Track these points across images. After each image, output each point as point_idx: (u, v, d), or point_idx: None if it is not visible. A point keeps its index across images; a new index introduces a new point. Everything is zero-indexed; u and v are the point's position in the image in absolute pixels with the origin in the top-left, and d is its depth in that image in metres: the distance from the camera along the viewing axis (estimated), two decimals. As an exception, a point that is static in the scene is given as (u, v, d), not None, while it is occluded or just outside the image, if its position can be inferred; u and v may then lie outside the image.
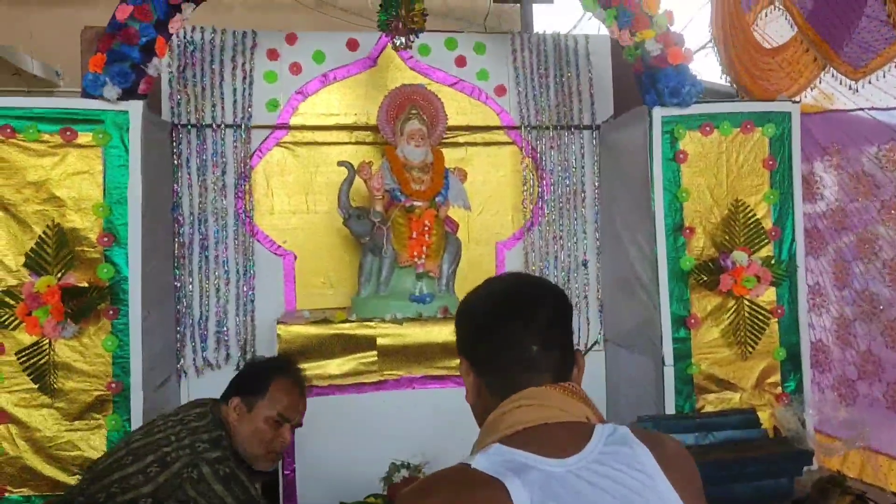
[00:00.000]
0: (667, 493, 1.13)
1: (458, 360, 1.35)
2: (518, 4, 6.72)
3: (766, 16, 4.00)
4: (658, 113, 3.33)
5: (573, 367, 1.30)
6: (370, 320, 3.40)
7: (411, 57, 3.96)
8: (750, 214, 3.41)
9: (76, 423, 2.96)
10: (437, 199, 3.61)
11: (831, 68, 3.74)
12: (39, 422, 2.94)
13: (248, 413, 2.28)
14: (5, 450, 2.91)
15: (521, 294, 1.32)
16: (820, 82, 3.82)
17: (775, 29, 3.99)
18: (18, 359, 2.92)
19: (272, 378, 2.34)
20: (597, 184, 4.04)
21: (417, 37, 3.39)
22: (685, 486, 1.15)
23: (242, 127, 3.76)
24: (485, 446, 1.16)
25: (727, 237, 3.38)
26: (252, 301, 3.75)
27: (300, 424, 2.40)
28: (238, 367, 3.59)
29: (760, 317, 3.40)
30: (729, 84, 4.12)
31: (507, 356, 1.25)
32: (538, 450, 1.13)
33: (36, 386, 2.93)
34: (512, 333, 1.26)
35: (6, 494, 2.90)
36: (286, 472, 3.19)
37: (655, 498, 1.12)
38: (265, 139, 3.85)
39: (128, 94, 2.99)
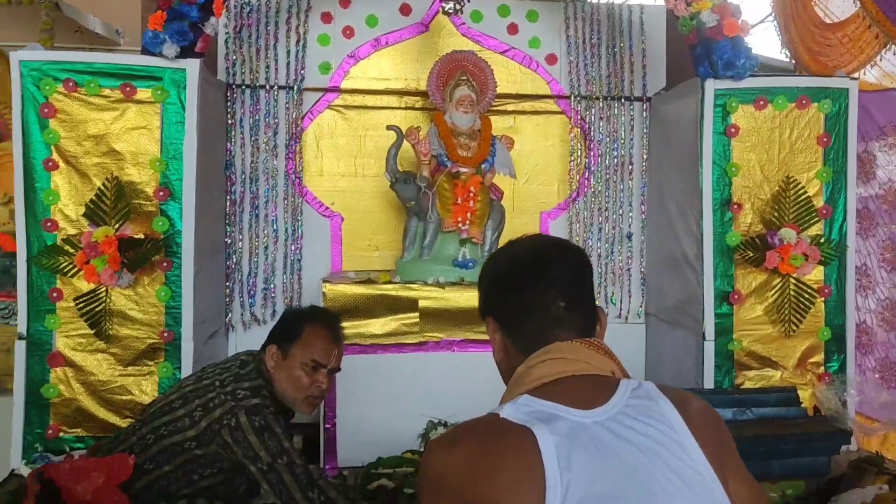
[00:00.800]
0: (690, 446, 1.14)
1: None
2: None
3: (828, -10, 3.92)
4: (711, 85, 3.28)
5: (596, 323, 1.33)
6: (413, 283, 3.45)
7: (463, 23, 3.95)
8: (801, 192, 3.35)
9: (129, 368, 3.07)
10: (483, 166, 3.61)
11: (893, 46, 3.65)
12: (94, 366, 3.05)
13: (284, 360, 2.35)
14: (61, 391, 3.03)
15: (545, 254, 1.35)
16: (881, 60, 3.73)
17: (837, 4, 3.90)
18: (76, 305, 3.03)
19: (304, 325, 2.40)
20: (645, 156, 4.00)
21: (469, 1, 3.40)
22: (709, 441, 1.17)
23: (295, 89, 3.81)
24: (513, 397, 1.20)
25: (776, 214, 3.33)
26: (299, 260, 3.83)
27: (338, 369, 2.46)
28: (284, 324, 3.68)
29: (806, 296, 3.36)
30: (788, 59, 4.05)
31: (534, 314, 1.29)
32: (565, 401, 1.16)
33: (92, 332, 3.04)
34: (539, 292, 1.29)
35: (61, 434, 3.03)
36: (327, 426, 3.28)
37: (679, 450, 1.13)
38: (316, 102, 3.89)
39: (185, 52, 3.05)
